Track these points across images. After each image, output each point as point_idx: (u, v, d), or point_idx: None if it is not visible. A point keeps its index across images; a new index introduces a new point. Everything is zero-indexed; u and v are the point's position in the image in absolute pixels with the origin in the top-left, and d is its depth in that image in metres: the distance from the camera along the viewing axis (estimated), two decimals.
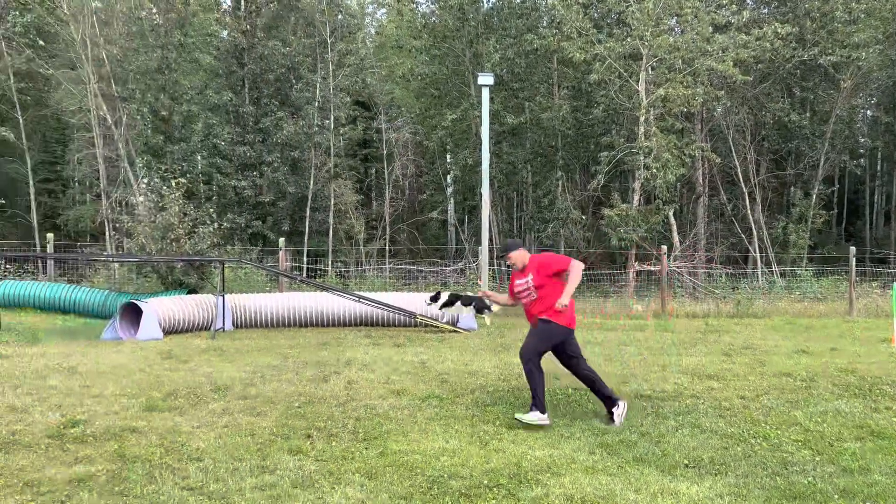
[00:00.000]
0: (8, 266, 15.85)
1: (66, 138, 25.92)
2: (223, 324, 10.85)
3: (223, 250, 14.76)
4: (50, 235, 15.92)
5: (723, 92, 19.67)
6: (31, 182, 21.95)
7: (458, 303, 12.97)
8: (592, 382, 5.66)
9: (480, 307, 11.11)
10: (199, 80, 20.48)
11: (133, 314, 10.48)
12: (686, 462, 4.65)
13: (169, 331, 10.29)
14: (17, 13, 20.58)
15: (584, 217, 21.40)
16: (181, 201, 13.84)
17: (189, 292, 12.82)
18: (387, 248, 23.67)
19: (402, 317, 11.20)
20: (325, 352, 8.82)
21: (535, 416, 5.34)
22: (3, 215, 23.40)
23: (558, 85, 22.44)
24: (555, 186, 22.03)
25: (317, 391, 6.52)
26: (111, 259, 15.11)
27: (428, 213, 27.69)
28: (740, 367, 7.81)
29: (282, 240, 14.58)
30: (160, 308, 10.25)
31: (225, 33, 20.46)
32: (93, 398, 6.09)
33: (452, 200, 26.61)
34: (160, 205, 13.79)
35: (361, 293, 11.77)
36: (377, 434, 5.18)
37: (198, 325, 10.97)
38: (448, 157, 25.18)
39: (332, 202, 20.92)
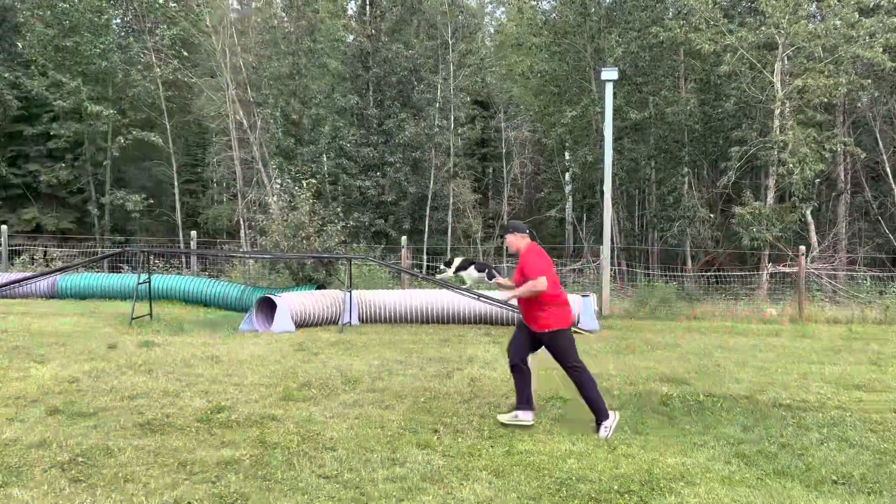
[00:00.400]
0: (156, 261, 17.20)
1: (206, 142, 27.80)
2: (350, 318, 11.26)
3: (349, 248, 15.33)
4: (193, 233, 17.16)
5: (869, 80, 18.16)
6: (175, 183, 23.73)
7: (472, 267, 13.84)
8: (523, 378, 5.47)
9: (492, 274, 11.30)
10: (327, 85, 21.36)
11: (267, 308, 11.09)
12: (834, 478, 4.34)
13: (300, 324, 10.81)
14: (165, 27, 22.31)
15: (712, 216, 20.46)
16: (311, 201, 14.50)
17: (317, 288, 13.39)
18: (504, 246, 23.66)
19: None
20: (447, 348, 8.96)
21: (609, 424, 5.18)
22: (152, 214, 25.42)
23: (685, 78, 21.58)
24: (680, 183, 21.21)
25: (441, 387, 6.63)
26: (247, 255, 16.05)
27: (545, 211, 27.45)
28: (892, 378, 7.20)
29: (404, 238, 14.93)
30: (292, 302, 10.78)
31: (350, 38, 21.20)
32: (235, 386, 6.51)
33: (571, 199, 26.24)
34: (292, 204, 14.50)
35: (480, 291, 11.85)
36: (502, 432, 5.20)
37: (326, 319, 11.45)
38: (567, 154, 24.85)
39: (451, 201, 21.20)
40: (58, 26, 21.26)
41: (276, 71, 20.03)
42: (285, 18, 20.44)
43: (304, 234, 14.01)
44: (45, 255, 18.10)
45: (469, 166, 25.29)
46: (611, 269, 14.09)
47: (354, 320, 11.50)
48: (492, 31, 32.72)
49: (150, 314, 11.46)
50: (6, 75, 22.35)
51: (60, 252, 18.51)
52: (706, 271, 17.93)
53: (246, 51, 21.17)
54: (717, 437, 5.17)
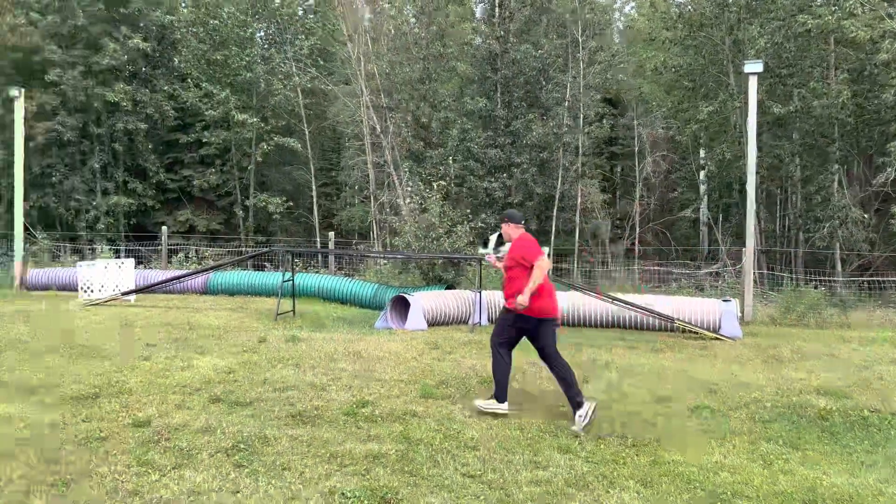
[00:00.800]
0: (296, 260, 18.14)
1: (340, 147, 29.01)
2: (479, 318, 11.35)
3: (477, 248, 15.47)
4: (331, 234, 17.96)
5: None
6: (313, 186, 24.95)
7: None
8: (563, 380, 5.48)
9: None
10: (455, 88, 21.68)
11: (401, 306, 11.40)
12: None
13: (431, 322, 11.02)
14: (304, 37, 23.49)
15: (866, 216, 18.84)
16: (440, 202, 14.76)
17: (447, 287, 13.61)
18: (635, 247, 23.00)
19: (657, 321, 10.80)
20: (580, 353, 8.81)
21: (490, 405, 5.59)
22: (291, 216, 26.86)
23: (835, 68, 20.01)
24: (829, 181, 19.69)
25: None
26: (382, 256, 16.58)
27: (678, 211, 26.39)
28: None
29: None
30: (425, 301, 11.01)
31: (478, 41, 21.37)
32: (376, 381, 6.73)
33: (706, 198, 25.06)
34: (422, 206, 14.84)
35: (613, 294, 11.56)
36: (646, 441, 5.04)
37: (456, 318, 11.60)
38: (702, 152, 23.77)
39: (579, 201, 20.87)
40: (209, 41, 22.93)
41: (408, 76, 20.55)
42: (415, 24, 20.92)
43: (434, 235, 14.29)
44: (196, 253, 19.58)
45: (597, 165, 24.79)
46: (754, 273, 13.29)
47: (484, 320, 11.58)
48: (621, 26, 31.90)
49: (293, 311, 12.09)
50: (165, 88, 24.39)
51: (211, 251, 19.96)
52: (860, 276, 16.54)
53: (379, 57, 21.88)
54: (887, 457, 4.75)
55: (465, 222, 14.69)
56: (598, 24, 21.28)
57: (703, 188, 24.22)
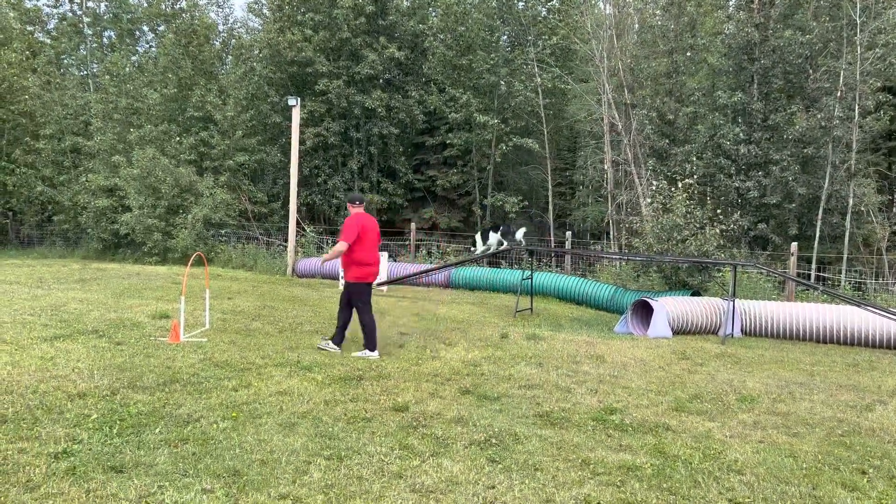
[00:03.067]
0: (532, 258, 18.28)
1: (577, 145, 28.74)
2: (731, 329, 10.48)
3: (729, 253, 14.33)
4: (568, 233, 17.86)
5: None
6: (549, 185, 25.01)
7: (498, 232, 14.00)
8: (364, 325, 7.41)
9: (507, 232, 14.20)
10: (704, 81, 20.32)
11: (642, 311, 10.92)
12: None
13: (677, 331, 10.41)
14: (546, 37, 23.59)
15: None
16: (686, 203, 13.90)
17: (692, 294, 12.79)
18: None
19: None
20: (859, 375, 7.72)
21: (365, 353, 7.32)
22: (526, 214, 27.20)
23: None
24: None
25: (860, 420, 5.70)
26: (622, 257, 16.10)
27: None
28: None
29: (794, 244, 13.43)
30: (670, 307, 10.44)
31: (732, 29, 19.78)
32: (622, 388, 6.47)
33: None
34: (666, 206, 14.09)
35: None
36: None
37: (704, 327, 10.84)
38: None
39: (850, 203, 18.40)
40: (456, 47, 24.00)
41: (653, 70, 19.67)
42: (663, 16, 19.95)
43: (678, 237, 13.50)
44: (438, 249, 20.61)
45: (872, 163, 21.69)
46: None
47: (737, 332, 10.67)
48: None
49: (531, 308, 12.18)
50: (414, 94, 26.02)
51: (452, 247, 20.89)
52: None
53: (622, 53, 21.26)
54: None
55: (716, 224, 13.67)
56: (882, 3, 18.56)
57: None
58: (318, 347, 7.59)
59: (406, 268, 16.36)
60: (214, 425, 4.77)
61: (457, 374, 6.75)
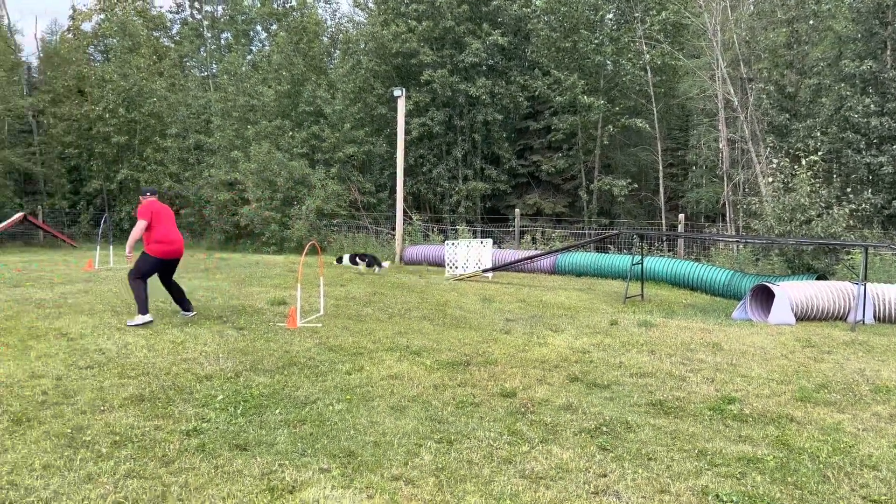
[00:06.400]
0: (641, 243, 17.76)
1: (688, 124, 27.57)
2: (863, 315, 9.76)
3: (859, 234, 13.33)
4: (681, 216, 17.22)
5: None
6: (660, 167, 24.16)
7: (357, 258, 14.39)
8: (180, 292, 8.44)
9: (371, 263, 13.93)
10: (829, 50, 18.92)
11: (762, 296, 10.37)
12: None
13: (801, 317, 9.82)
14: (654, 12, 22.71)
15: None
16: (810, 181, 13.05)
17: (818, 278, 12.01)
18: None
19: None
20: None
21: (139, 319, 7.76)
22: (635, 198, 26.41)
23: None
24: None
25: None
26: (739, 240, 15.35)
27: None
28: None
29: None
30: (792, 292, 9.85)
31: None
32: (741, 377, 6.18)
33: None
34: (787, 185, 13.29)
35: None
36: None
37: (830, 313, 10.15)
38: None
39: None
40: (560, 29, 23.57)
41: (771, 42, 18.51)
42: None
43: (802, 218, 12.71)
44: (542, 235, 20.40)
45: None
46: None
47: (868, 318, 9.92)
48: None
49: (642, 294, 11.84)
50: (518, 79, 25.81)
51: (557, 233, 20.62)
52: None
53: (737, 25, 20.13)
54: None
55: (844, 203, 12.76)
56: None
57: None
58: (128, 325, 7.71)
59: (511, 254, 16.32)
60: (330, 407, 4.96)
61: (565, 360, 6.67)
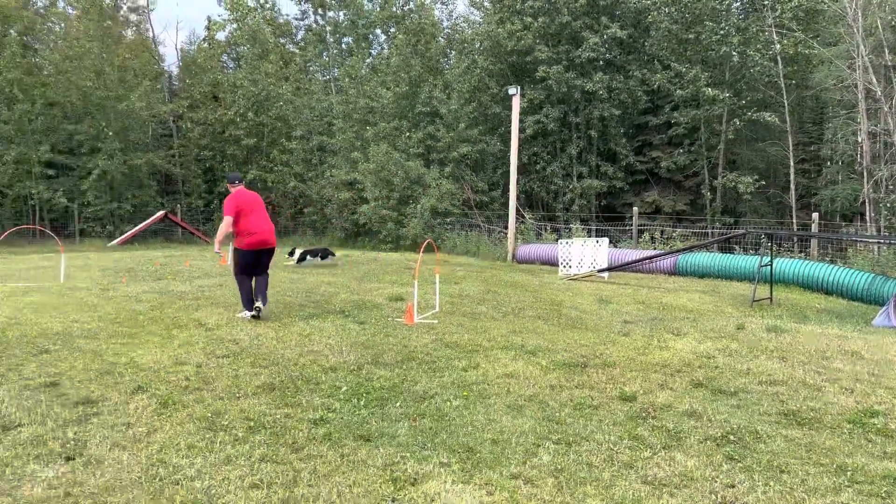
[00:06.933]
0: (767, 243, 16.73)
1: (822, 117, 25.73)
2: None
3: None
4: (815, 215, 16.14)
5: None
6: (790, 163, 22.71)
7: (308, 255, 14.65)
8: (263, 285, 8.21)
9: (324, 255, 14.70)
10: None
11: None
12: None
13: None
14: None
15: None
16: None
17: None
18: None
19: None
20: None
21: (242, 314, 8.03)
22: (763, 195, 24.97)
23: None
24: None
25: None
26: (882, 240, 14.20)
27: None
28: None
29: None
30: None
31: None
32: (885, 389, 5.72)
33: None
34: None
35: None
36: None
37: None
38: None
39: None
40: (681, 20, 22.68)
41: None
42: None
43: None
44: (662, 234, 19.71)
45: None
46: None
47: None
48: None
49: (771, 298, 11.21)
50: (636, 73, 25.06)
51: (677, 232, 19.86)
52: None
53: (881, 8, 18.58)
54: None
55: None
56: None
57: None
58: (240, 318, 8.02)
59: (628, 254, 15.90)
60: (448, 403, 5.04)
61: (688, 365, 6.43)
